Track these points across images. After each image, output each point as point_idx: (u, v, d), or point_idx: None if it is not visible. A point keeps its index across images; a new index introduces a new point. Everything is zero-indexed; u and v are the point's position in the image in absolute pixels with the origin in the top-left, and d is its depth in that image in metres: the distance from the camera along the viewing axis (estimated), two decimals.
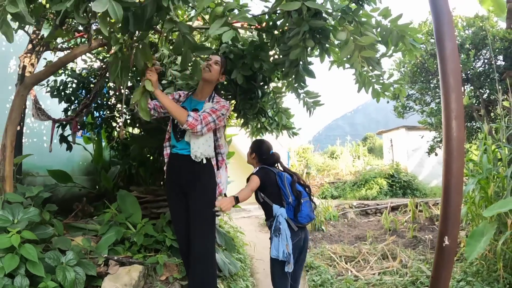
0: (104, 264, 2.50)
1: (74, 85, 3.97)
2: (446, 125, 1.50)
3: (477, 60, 6.06)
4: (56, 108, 4.08)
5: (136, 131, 4.34)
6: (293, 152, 12.82)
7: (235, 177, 4.16)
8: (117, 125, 4.37)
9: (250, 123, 3.35)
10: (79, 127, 3.86)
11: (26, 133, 4.23)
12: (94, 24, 3.18)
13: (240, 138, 5.14)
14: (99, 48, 3.48)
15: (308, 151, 13.64)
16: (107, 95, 4.26)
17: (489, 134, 3.58)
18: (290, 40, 1.96)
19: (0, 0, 1.36)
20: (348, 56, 1.98)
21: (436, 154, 7.14)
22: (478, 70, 5.92)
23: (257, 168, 2.43)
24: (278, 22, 2.20)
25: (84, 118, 3.81)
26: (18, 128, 2.86)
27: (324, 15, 1.93)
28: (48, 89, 3.93)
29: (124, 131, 4.06)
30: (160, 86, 2.84)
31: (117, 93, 4.00)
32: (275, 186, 2.36)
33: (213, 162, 2.22)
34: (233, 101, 2.93)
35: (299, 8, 1.75)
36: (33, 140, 4.72)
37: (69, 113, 3.99)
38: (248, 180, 2.35)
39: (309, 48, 2.02)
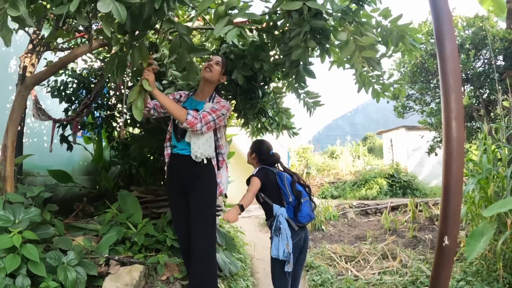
0: (105, 264, 2.50)
1: (74, 85, 3.97)
2: (446, 125, 1.50)
3: (477, 60, 6.06)
4: (56, 108, 4.08)
5: (137, 131, 4.34)
6: (293, 152, 12.84)
7: (235, 177, 4.17)
8: (118, 125, 4.37)
9: (251, 123, 3.35)
10: (79, 127, 3.87)
11: (26, 133, 4.23)
12: (95, 24, 3.19)
13: (240, 138, 5.15)
14: (100, 48, 3.48)
15: (308, 151, 13.66)
16: (107, 95, 4.27)
17: (489, 134, 3.59)
18: (291, 41, 1.96)
19: (1, 4, 1.36)
20: (349, 57, 1.99)
21: (436, 154, 7.14)
22: (478, 70, 5.92)
23: (257, 168, 2.44)
24: (279, 23, 2.20)
25: (85, 118, 3.82)
26: (19, 128, 2.87)
27: (324, 15, 1.94)
28: (49, 89, 3.93)
29: (124, 131, 4.07)
30: (160, 86, 2.85)
31: (118, 93, 4.00)
32: (275, 186, 2.37)
33: (214, 162, 2.23)
34: (233, 101, 2.94)
35: (300, 8, 1.76)
36: (33, 140, 4.73)
37: (69, 113, 4.00)
38: (248, 181, 2.35)
39: (310, 48, 2.02)
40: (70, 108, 4.00)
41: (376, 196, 9.24)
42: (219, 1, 2.04)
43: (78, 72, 4.14)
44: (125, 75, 2.46)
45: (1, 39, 1.47)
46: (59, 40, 3.39)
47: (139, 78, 2.05)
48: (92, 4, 1.45)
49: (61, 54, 3.85)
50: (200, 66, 3.01)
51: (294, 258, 2.23)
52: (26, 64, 2.94)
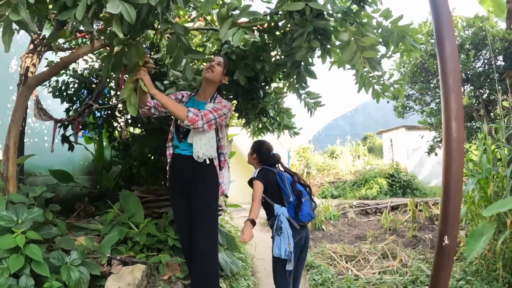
0: (107, 263, 2.51)
1: (75, 85, 3.98)
2: (446, 125, 1.51)
3: (477, 61, 6.06)
4: (57, 108, 4.09)
5: (137, 131, 4.36)
6: (293, 152, 12.86)
7: (235, 177, 4.18)
8: (118, 125, 4.38)
9: (252, 123, 3.36)
10: (80, 127, 3.88)
11: (27, 133, 4.24)
12: (96, 24, 3.20)
13: (240, 138, 5.16)
14: (101, 49, 3.49)
15: (308, 151, 13.67)
16: (108, 95, 4.28)
17: (488, 134, 3.60)
18: (294, 41, 1.96)
19: (2, 9, 1.36)
20: (351, 57, 2.00)
21: (436, 154, 7.15)
22: (478, 70, 5.93)
23: (258, 169, 2.44)
24: (280, 23, 2.21)
25: (86, 118, 3.83)
26: (20, 128, 2.87)
27: (325, 16, 1.95)
28: (50, 89, 3.94)
29: (126, 131, 4.08)
30: (162, 86, 2.85)
31: (119, 92, 4.01)
32: (276, 186, 2.38)
33: (216, 162, 2.23)
34: (234, 101, 2.95)
35: (302, 9, 1.77)
36: (34, 140, 4.74)
37: (70, 113, 4.01)
38: (250, 183, 2.36)
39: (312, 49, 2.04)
40: (71, 108, 4.01)
41: (376, 195, 9.25)
42: (221, 2, 2.05)
43: (79, 72, 4.15)
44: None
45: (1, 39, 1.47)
46: (60, 40, 3.40)
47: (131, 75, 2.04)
48: (95, 7, 1.45)
49: (62, 54, 3.86)
50: (201, 66, 3.03)
51: (295, 257, 2.24)
52: (28, 64, 2.95)
